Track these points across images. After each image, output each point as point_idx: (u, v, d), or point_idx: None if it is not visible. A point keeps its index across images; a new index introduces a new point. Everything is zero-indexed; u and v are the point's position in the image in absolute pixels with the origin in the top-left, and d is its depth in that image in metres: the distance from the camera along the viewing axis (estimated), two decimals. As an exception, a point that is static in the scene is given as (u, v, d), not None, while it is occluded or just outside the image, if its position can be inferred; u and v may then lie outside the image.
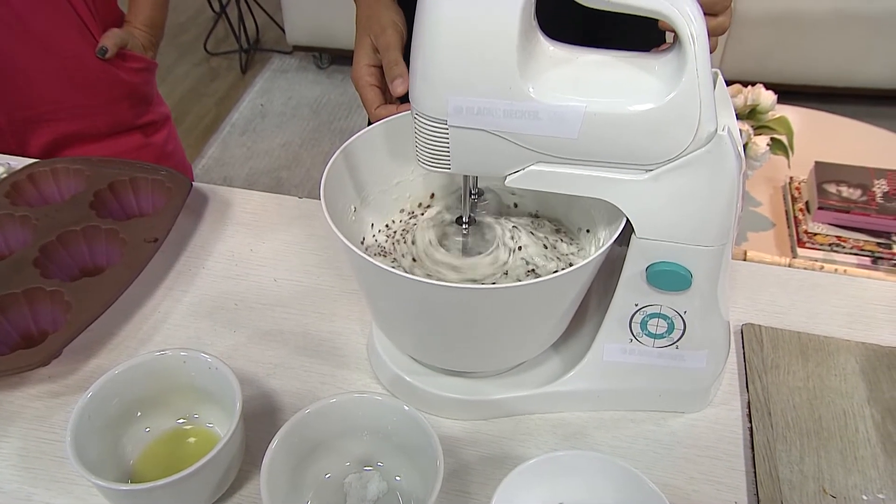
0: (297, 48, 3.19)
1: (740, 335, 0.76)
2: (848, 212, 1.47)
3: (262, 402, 0.71)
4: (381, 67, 0.73)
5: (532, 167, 0.56)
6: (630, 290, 0.63)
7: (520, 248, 0.66)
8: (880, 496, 0.61)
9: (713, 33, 0.67)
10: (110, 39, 1.12)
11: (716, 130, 0.53)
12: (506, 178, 0.57)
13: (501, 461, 0.66)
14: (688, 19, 0.49)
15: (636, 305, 0.63)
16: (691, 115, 0.52)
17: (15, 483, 0.64)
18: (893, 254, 1.44)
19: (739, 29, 2.66)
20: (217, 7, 3.42)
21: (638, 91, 0.53)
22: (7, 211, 0.84)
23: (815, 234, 1.50)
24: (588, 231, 0.69)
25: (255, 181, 2.58)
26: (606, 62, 0.54)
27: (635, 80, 0.53)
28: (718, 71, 0.58)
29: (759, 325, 0.76)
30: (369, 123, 0.70)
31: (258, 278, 0.84)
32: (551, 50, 0.54)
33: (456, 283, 0.62)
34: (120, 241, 0.81)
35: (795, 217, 1.55)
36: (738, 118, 1.46)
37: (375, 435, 0.62)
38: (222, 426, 0.65)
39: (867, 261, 1.45)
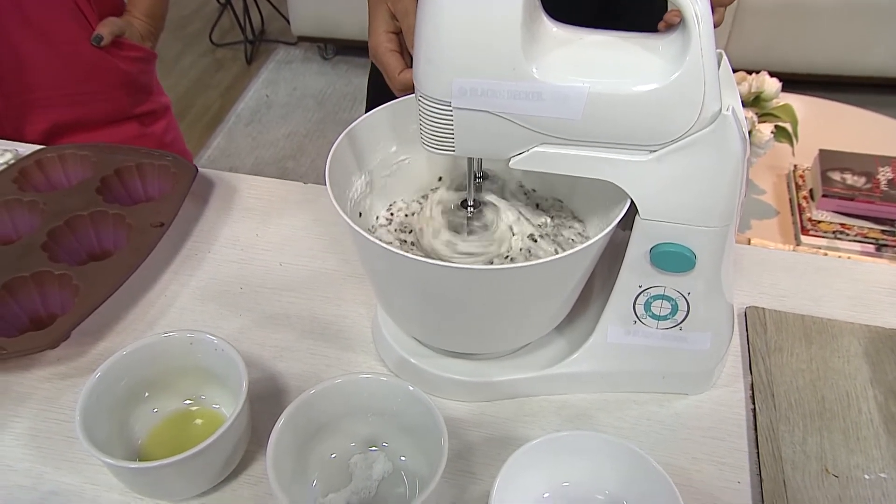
0: (302, 39, 3.19)
1: (744, 318, 0.76)
2: (852, 199, 1.47)
3: (267, 384, 0.71)
4: (399, 33, 0.72)
5: (536, 149, 0.56)
6: (634, 272, 0.63)
7: (524, 230, 0.66)
8: (882, 475, 0.62)
9: (718, 3, 0.67)
10: (106, 27, 1.13)
11: (720, 110, 0.53)
12: (510, 160, 0.57)
13: (506, 442, 0.67)
14: (692, -1, 0.49)
15: (640, 287, 0.64)
16: (695, 94, 0.52)
17: (26, 462, 0.65)
18: (898, 241, 1.44)
19: (744, 17, 2.65)
20: (222, -2, 3.43)
21: (642, 71, 0.53)
22: (15, 196, 0.84)
23: (819, 222, 1.50)
24: (591, 212, 0.69)
25: (261, 171, 2.59)
26: (610, 42, 0.55)
27: (639, 61, 0.53)
28: (723, 52, 0.58)
29: (763, 308, 0.76)
30: (367, 109, 0.70)
31: (264, 262, 0.84)
32: (555, 31, 0.54)
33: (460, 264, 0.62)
34: (127, 226, 0.82)
35: (799, 205, 1.55)
36: (742, 106, 1.46)
37: (380, 415, 0.63)
38: (228, 407, 0.66)
39: (871, 248, 1.45)
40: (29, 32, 1.08)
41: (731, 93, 0.57)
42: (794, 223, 1.54)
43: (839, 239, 1.48)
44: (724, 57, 0.59)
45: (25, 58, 1.10)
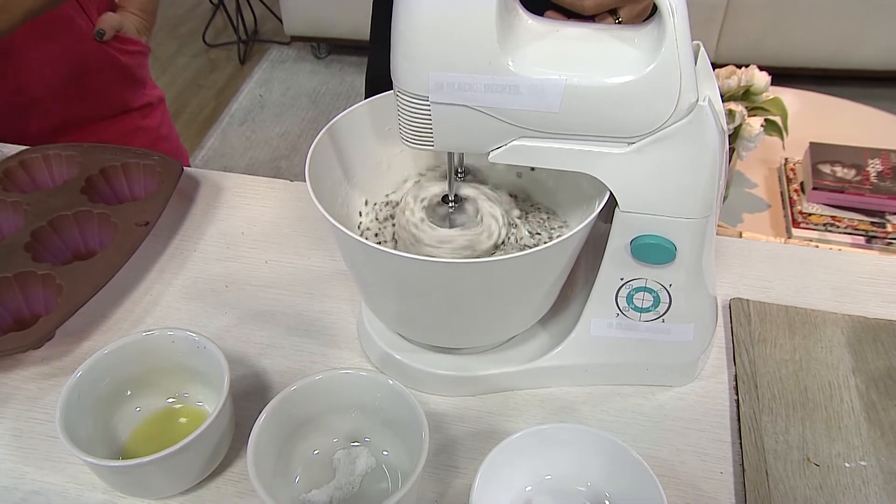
0: (295, 38, 3.19)
1: (728, 309, 0.76)
2: (842, 192, 1.48)
3: (253, 381, 0.71)
4: None
5: (514, 142, 0.56)
6: (615, 264, 0.63)
7: (506, 224, 0.66)
8: (862, 463, 0.62)
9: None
10: (107, 22, 1.13)
11: (697, 101, 0.53)
12: (489, 154, 0.58)
13: (490, 436, 0.67)
14: (664, -11, 0.49)
15: (622, 279, 0.64)
16: (671, 86, 0.52)
17: (9, 462, 0.65)
18: (887, 233, 1.44)
19: (735, 12, 2.65)
20: (215, -2, 3.42)
21: (618, 63, 0.53)
22: (-1, 197, 0.84)
23: (810, 215, 1.50)
24: (573, 206, 0.69)
25: (255, 171, 2.58)
26: (586, 35, 0.55)
27: (615, 52, 0.53)
28: (700, 43, 0.58)
29: (747, 300, 0.76)
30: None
31: (249, 260, 0.84)
32: (530, 23, 0.54)
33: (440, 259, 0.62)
34: (111, 226, 0.81)
35: (790, 198, 1.55)
36: (732, 99, 1.46)
37: (362, 411, 0.63)
38: (212, 405, 0.65)
39: (861, 240, 1.45)
40: (30, 31, 1.08)
41: (708, 84, 0.57)
42: (786, 216, 1.54)
43: (830, 231, 1.48)
44: (702, 49, 0.59)
45: (27, 57, 1.10)
